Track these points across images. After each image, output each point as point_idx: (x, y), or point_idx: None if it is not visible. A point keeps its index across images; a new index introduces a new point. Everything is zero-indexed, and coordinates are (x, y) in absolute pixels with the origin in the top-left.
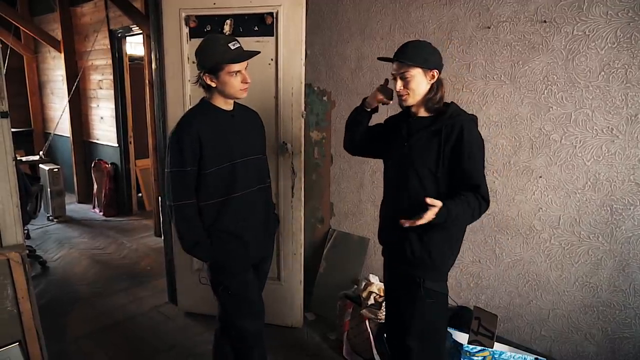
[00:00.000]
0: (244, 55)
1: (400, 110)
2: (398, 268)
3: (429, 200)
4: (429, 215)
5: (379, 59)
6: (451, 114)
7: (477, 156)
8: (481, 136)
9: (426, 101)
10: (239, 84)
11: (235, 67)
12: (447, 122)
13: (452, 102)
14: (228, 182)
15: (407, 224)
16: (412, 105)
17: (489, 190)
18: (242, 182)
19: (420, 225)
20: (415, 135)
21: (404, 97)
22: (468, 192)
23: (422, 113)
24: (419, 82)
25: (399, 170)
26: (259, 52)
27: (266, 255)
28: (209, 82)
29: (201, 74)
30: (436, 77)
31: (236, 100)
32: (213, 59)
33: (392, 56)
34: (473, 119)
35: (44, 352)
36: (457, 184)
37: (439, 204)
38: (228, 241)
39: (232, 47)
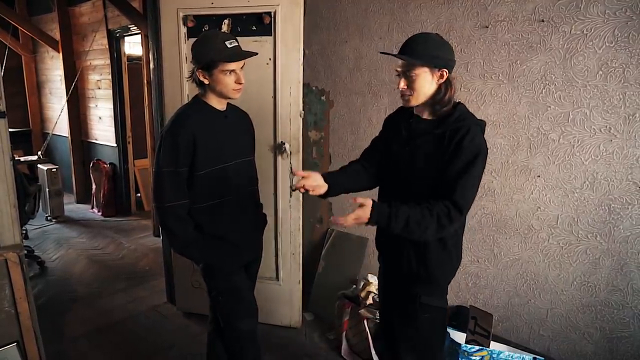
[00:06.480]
0: (240, 55)
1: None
2: (394, 281)
3: (359, 199)
4: (351, 217)
5: (382, 53)
6: (457, 117)
7: (470, 165)
8: (485, 145)
9: (432, 103)
10: (233, 83)
11: (230, 66)
12: (452, 127)
13: (459, 102)
14: (220, 185)
15: (338, 221)
16: (415, 106)
17: (488, 190)
18: (234, 185)
19: (416, 240)
20: (417, 140)
21: (406, 97)
22: (437, 200)
23: (426, 115)
24: (424, 82)
25: (400, 175)
26: (256, 54)
27: (257, 256)
28: (202, 78)
29: (195, 70)
30: (445, 77)
31: (228, 101)
32: (208, 55)
33: (394, 52)
34: (480, 124)
35: (41, 353)
36: (439, 186)
37: (367, 202)
38: (220, 244)
39: (229, 46)
